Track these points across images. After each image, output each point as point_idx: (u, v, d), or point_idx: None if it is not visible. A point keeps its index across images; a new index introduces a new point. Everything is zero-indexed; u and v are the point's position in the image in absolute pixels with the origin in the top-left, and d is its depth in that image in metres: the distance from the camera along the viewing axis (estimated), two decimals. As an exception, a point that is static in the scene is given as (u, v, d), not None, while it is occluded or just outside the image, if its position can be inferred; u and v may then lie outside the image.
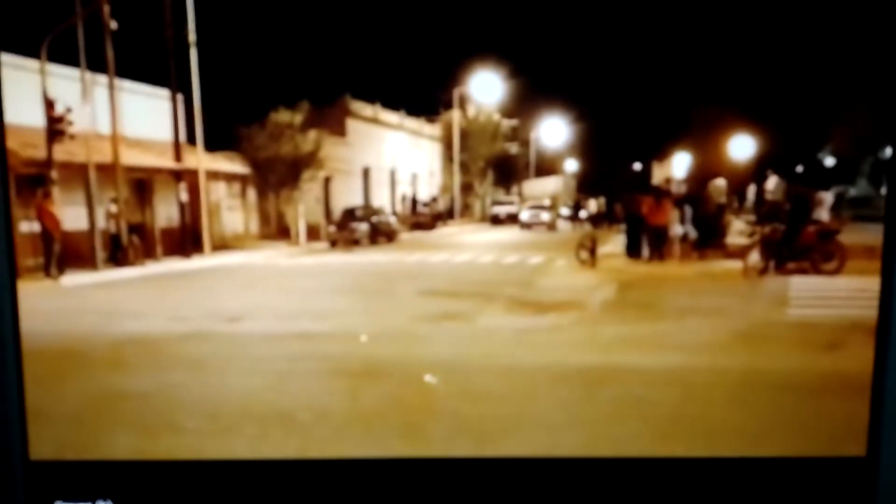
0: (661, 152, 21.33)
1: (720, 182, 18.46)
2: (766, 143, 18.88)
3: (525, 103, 21.91)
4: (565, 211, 23.84)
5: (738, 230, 17.54)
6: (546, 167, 24.83)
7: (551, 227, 23.22)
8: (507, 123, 23.74)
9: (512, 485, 4.06)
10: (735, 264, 15.05)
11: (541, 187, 25.05)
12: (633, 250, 17.05)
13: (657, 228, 16.92)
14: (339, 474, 3.98)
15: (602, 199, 22.25)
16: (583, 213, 22.96)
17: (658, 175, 21.26)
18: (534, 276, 15.23)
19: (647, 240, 16.90)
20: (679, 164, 21.21)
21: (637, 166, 21.93)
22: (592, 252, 16.44)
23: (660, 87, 18.38)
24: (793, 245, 14.74)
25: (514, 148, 24.37)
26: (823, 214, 15.22)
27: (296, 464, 4.09)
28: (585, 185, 23.84)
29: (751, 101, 17.39)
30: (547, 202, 24.36)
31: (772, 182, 18.42)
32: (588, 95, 19.05)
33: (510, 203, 24.42)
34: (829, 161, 18.33)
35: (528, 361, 8.99)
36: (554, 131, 23.07)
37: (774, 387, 7.91)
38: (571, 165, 24.53)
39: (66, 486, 3.70)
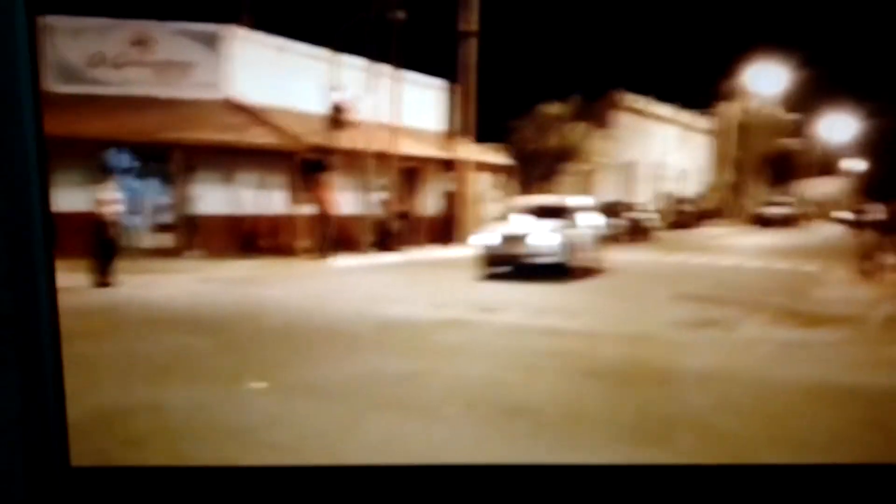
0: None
1: None
2: None
3: (810, 96, 20.19)
4: (847, 216, 21.60)
5: None
6: (828, 166, 22.70)
7: None
8: (789, 118, 22.03)
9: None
10: None
11: (820, 188, 23.01)
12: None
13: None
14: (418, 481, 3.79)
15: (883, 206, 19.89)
16: (858, 219, 20.57)
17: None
18: (805, 286, 14.06)
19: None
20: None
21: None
22: (876, 263, 14.85)
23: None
24: None
25: (794, 144, 22.56)
26: None
27: (364, 470, 3.94)
28: (872, 189, 21.36)
29: None
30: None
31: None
32: (887, 88, 17.18)
33: (785, 204, 22.57)
34: None
35: (791, 378, 8.30)
36: (840, 128, 21.00)
37: None
38: (857, 165, 22.12)
39: (108, 494, 3.63)
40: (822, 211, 22.03)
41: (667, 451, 5.99)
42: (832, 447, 6.22)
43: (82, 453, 3.40)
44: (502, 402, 7.14)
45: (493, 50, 18.35)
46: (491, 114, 19.33)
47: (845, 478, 3.54)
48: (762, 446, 6.26)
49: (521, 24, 17.58)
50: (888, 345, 9.95)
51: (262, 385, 6.95)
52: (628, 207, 20.39)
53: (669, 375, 8.23)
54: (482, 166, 20.19)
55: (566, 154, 20.59)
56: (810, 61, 17.75)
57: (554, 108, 20.61)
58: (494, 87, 19.07)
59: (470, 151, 19.43)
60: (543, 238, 14.53)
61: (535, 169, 20.53)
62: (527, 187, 21.04)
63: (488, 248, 14.68)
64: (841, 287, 14.13)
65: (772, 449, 6.21)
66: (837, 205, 22.09)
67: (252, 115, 16.73)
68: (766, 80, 20.36)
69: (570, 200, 16.11)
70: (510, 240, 14.64)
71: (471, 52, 18.77)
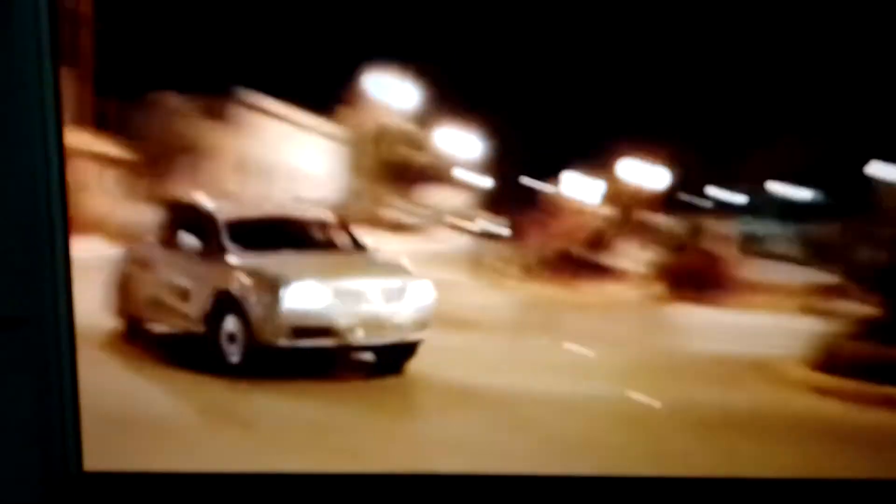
0: (558, 170, 21.07)
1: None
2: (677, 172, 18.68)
3: (438, 110, 21.14)
4: (472, 226, 23.05)
5: (636, 258, 17.60)
6: (455, 179, 23.96)
7: None
8: (415, 130, 22.92)
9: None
10: (636, 291, 15.11)
11: (440, 198, 24.31)
12: (527, 270, 16.77)
13: (559, 248, 16.70)
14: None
15: (501, 216, 21.74)
16: (479, 229, 22.20)
17: (557, 193, 21.01)
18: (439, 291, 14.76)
19: (549, 259, 16.66)
20: (571, 184, 21.02)
21: (536, 184, 21.60)
22: (500, 271, 16.12)
23: (565, 103, 17.98)
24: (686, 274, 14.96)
25: (421, 156, 23.51)
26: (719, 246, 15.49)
27: (371, 478, 4.08)
28: (495, 201, 23.01)
29: (665, 128, 17.08)
30: None
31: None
32: (495, 105, 18.44)
33: (412, 213, 23.51)
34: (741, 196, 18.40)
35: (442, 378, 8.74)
36: (466, 142, 22.27)
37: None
38: (482, 179, 23.69)
39: (119, 498, 3.75)
40: (449, 221, 23.23)
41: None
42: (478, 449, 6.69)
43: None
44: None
45: (114, 36, 16.69)
46: (108, 103, 17.65)
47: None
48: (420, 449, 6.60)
49: (140, 12, 16.21)
50: (522, 346, 10.76)
51: None
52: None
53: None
54: (95, 157, 18.30)
55: (188, 149, 19.46)
56: (435, 75, 18.57)
57: (174, 101, 19.38)
58: (105, 71, 17.44)
59: (80, 140, 17.45)
60: (408, 297, 8.41)
61: (158, 163, 19.13)
62: (140, 182, 19.58)
63: (300, 314, 8.04)
64: (472, 292, 15.05)
65: (430, 452, 6.56)
66: (464, 215, 23.45)
67: None
68: (390, 90, 20.99)
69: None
70: (350, 298, 8.18)
71: (83, 34, 16.94)
